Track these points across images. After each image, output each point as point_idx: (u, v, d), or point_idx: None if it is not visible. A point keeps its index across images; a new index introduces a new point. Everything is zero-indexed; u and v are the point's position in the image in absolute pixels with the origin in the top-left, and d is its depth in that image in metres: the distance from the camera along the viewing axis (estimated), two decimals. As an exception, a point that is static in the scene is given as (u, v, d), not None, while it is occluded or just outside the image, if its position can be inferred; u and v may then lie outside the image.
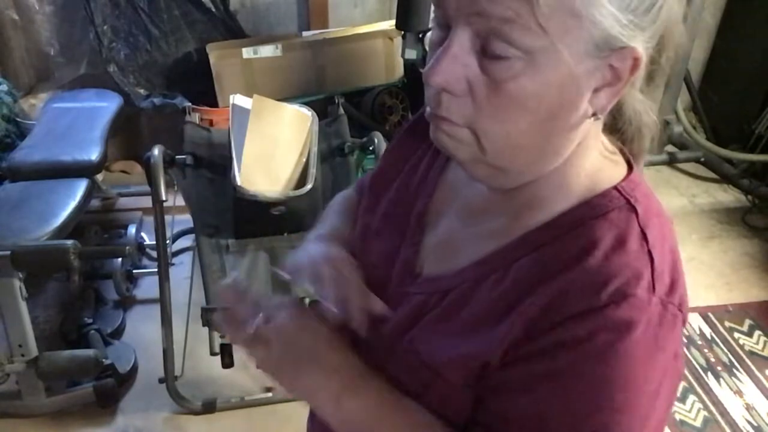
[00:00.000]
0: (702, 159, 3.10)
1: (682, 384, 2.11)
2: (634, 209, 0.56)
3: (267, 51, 2.53)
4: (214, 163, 1.97)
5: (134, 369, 2.04)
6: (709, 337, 2.28)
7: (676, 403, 2.02)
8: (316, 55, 2.60)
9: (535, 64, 0.50)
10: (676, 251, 0.59)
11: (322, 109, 2.21)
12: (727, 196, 3.04)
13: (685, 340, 2.25)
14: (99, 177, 2.38)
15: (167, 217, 1.91)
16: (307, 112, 1.99)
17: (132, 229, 2.47)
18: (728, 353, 2.22)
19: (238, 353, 1.79)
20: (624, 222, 0.56)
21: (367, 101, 2.66)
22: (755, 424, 1.98)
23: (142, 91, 2.64)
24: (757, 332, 2.30)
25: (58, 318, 2.18)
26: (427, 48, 2.33)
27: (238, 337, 0.62)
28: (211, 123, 2.29)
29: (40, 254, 1.73)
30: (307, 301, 0.65)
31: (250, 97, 1.94)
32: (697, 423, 1.99)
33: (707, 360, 2.19)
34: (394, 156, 0.78)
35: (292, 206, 1.80)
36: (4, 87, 2.42)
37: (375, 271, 0.71)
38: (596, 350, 0.52)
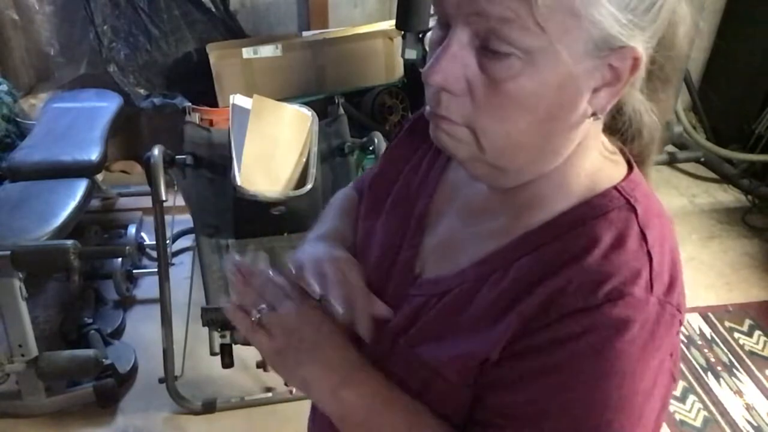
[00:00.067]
0: (702, 159, 3.10)
1: (682, 384, 2.11)
2: (633, 209, 0.56)
3: (267, 51, 2.53)
4: (214, 163, 1.97)
5: (134, 369, 2.04)
6: (709, 337, 2.28)
7: (676, 403, 2.02)
8: (316, 55, 2.60)
9: (534, 64, 0.50)
10: (676, 251, 0.59)
11: (322, 109, 2.21)
12: (727, 196, 3.04)
13: (685, 340, 2.25)
14: (99, 177, 2.38)
15: (167, 217, 1.91)
16: (307, 112, 1.99)
17: (132, 229, 2.47)
18: (728, 353, 2.22)
19: (238, 353, 1.80)
20: (623, 222, 0.56)
21: (367, 101, 2.66)
22: (755, 424, 1.98)
23: (142, 91, 2.64)
24: (757, 332, 2.30)
25: (58, 318, 2.18)
26: (427, 48, 2.33)
27: (242, 324, 0.63)
28: (211, 123, 2.30)
29: (40, 254, 1.73)
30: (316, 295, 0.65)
31: (250, 97, 1.94)
32: (697, 423, 1.99)
33: (707, 360, 2.20)
34: (394, 156, 0.78)
35: (292, 206, 1.80)
36: (4, 87, 2.42)
37: (375, 272, 0.71)
38: (592, 347, 0.52)
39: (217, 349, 1.76)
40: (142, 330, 2.18)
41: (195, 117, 2.13)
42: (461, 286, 0.62)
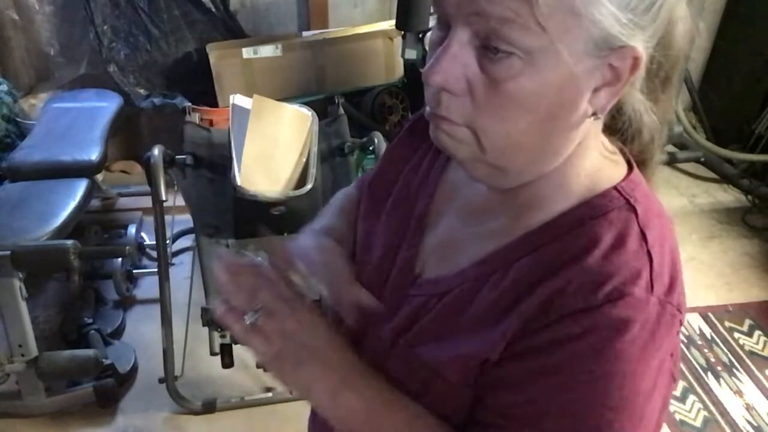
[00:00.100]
0: (702, 159, 3.10)
1: (682, 384, 2.11)
2: (633, 209, 0.56)
3: (267, 51, 2.53)
4: (214, 163, 1.97)
5: (134, 369, 2.04)
6: (709, 337, 2.28)
7: (676, 403, 2.02)
8: (316, 55, 2.60)
9: (535, 64, 0.50)
10: (677, 251, 0.59)
11: (322, 109, 2.21)
12: (727, 196, 3.04)
13: (685, 340, 2.25)
14: (99, 177, 2.38)
15: (167, 217, 1.91)
16: (307, 112, 1.99)
17: (132, 229, 2.47)
18: (728, 353, 2.22)
19: (238, 353, 1.80)
20: (623, 222, 0.56)
21: (367, 101, 2.66)
22: (755, 424, 1.98)
23: (142, 91, 2.64)
24: (757, 332, 2.30)
25: (58, 318, 2.18)
26: (427, 48, 2.33)
27: (235, 328, 0.61)
28: (211, 123, 2.30)
29: (40, 254, 1.73)
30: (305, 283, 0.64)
31: (250, 97, 1.94)
32: (697, 423, 1.99)
33: (707, 360, 2.20)
34: (394, 156, 0.78)
35: (292, 206, 1.80)
36: (4, 87, 2.42)
37: (376, 272, 0.71)
38: (592, 348, 0.52)
39: (217, 349, 1.76)
40: (142, 330, 2.18)
41: (195, 117, 2.13)
42: (461, 286, 0.61)
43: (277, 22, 2.82)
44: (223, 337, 1.75)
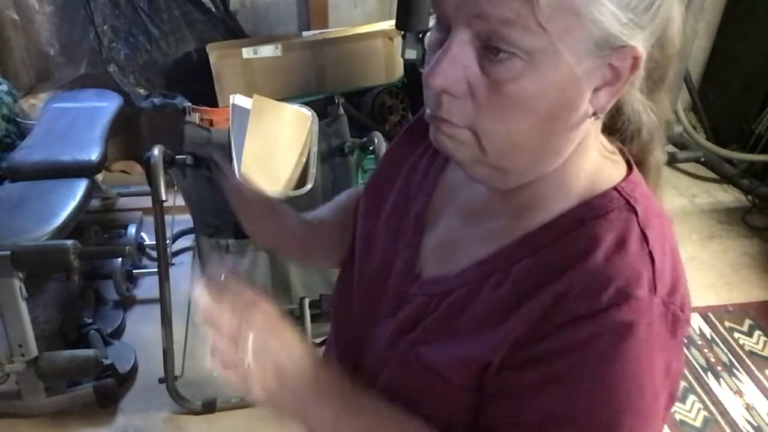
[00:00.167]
0: (702, 159, 3.10)
1: (682, 384, 2.10)
2: (633, 210, 0.56)
3: (267, 51, 2.53)
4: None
5: (134, 369, 2.04)
6: (709, 337, 2.28)
7: (676, 403, 2.02)
8: (316, 55, 2.60)
9: (536, 65, 0.49)
10: (677, 251, 0.58)
11: (322, 109, 2.21)
12: (727, 196, 3.04)
13: (685, 340, 2.25)
14: (99, 177, 2.38)
15: (167, 217, 1.90)
16: (307, 112, 1.99)
17: (132, 229, 2.47)
18: (728, 353, 2.22)
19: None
20: (624, 223, 0.56)
21: (367, 101, 2.66)
22: (755, 424, 1.98)
23: (142, 91, 2.64)
24: (757, 332, 2.30)
25: (58, 318, 2.18)
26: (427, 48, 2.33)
27: (234, 379, 0.59)
28: (211, 123, 2.30)
29: (40, 254, 1.73)
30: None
31: (250, 97, 1.94)
32: (697, 423, 1.99)
33: (707, 360, 2.19)
34: (393, 156, 0.78)
35: (291, 206, 1.79)
36: (4, 87, 2.42)
37: (377, 271, 0.71)
38: (599, 354, 0.52)
39: (217, 349, 1.75)
40: (142, 330, 2.18)
41: (195, 117, 2.13)
42: (462, 287, 0.61)
43: (277, 22, 2.82)
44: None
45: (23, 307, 1.75)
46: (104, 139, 2.26)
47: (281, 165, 1.88)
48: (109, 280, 2.29)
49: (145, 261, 2.48)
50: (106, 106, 2.43)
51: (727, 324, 2.33)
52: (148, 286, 2.33)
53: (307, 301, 1.73)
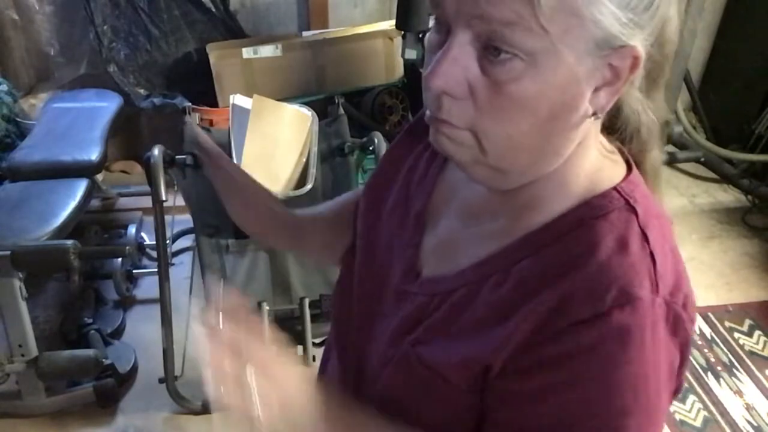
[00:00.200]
0: (702, 159, 3.10)
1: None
2: (633, 210, 0.56)
3: (267, 51, 2.53)
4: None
5: (134, 369, 2.04)
6: (709, 337, 2.28)
7: (676, 403, 2.02)
8: (316, 55, 2.60)
9: (537, 65, 0.49)
10: (677, 252, 0.58)
11: (322, 109, 2.21)
12: (727, 196, 3.04)
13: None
14: (99, 177, 2.38)
15: (167, 217, 1.90)
16: (307, 112, 1.99)
17: (132, 229, 2.47)
18: (728, 353, 2.22)
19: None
20: (624, 223, 0.56)
21: (367, 101, 2.66)
22: (755, 424, 1.98)
23: (142, 91, 2.65)
24: (757, 332, 2.30)
25: (58, 318, 2.18)
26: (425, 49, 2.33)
27: (236, 412, 0.57)
28: (211, 123, 2.30)
29: (40, 254, 1.73)
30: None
31: (250, 97, 1.94)
32: (697, 423, 1.99)
33: (707, 360, 2.19)
34: (393, 156, 0.78)
35: (291, 206, 1.79)
36: (4, 87, 2.42)
37: (377, 271, 0.71)
38: (605, 358, 0.52)
39: (217, 349, 1.75)
40: (142, 330, 2.18)
41: (195, 117, 2.13)
42: (462, 287, 0.61)
43: (277, 22, 2.82)
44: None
45: (23, 307, 1.75)
46: (104, 139, 2.26)
47: (281, 165, 1.88)
48: (109, 280, 2.29)
49: (145, 261, 2.48)
50: (106, 106, 2.43)
51: (727, 324, 2.33)
52: (148, 286, 2.33)
53: (307, 301, 1.73)
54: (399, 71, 2.70)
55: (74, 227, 1.97)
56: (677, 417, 2.00)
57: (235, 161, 1.80)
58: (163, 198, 1.80)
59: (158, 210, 1.83)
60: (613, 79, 0.53)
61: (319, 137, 1.97)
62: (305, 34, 2.69)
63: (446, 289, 0.63)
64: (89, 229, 2.44)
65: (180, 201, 1.97)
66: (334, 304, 0.81)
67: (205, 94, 2.51)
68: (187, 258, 2.47)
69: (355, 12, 2.86)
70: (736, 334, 2.29)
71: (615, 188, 0.58)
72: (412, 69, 2.57)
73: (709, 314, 2.36)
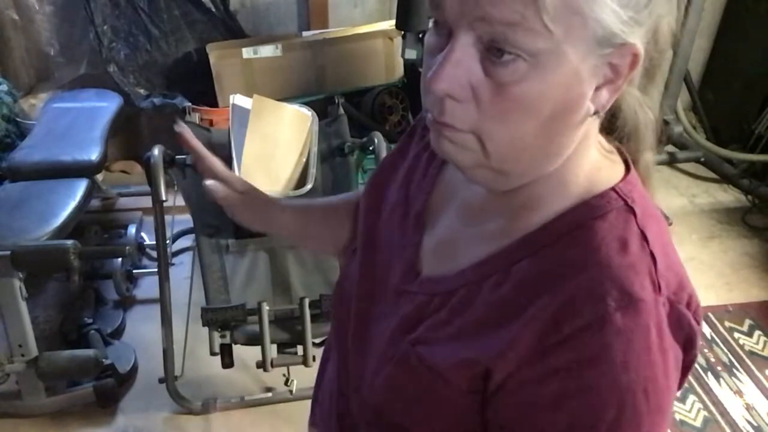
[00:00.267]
0: (702, 159, 3.10)
1: (682, 384, 2.11)
2: (632, 210, 0.56)
3: (267, 51, 2.53)
4: (214, 163, 1.96)
5: (134, 369, 2.04)
6: (709, 337, 2.28)
7: (676, 403, 2.02)
8: (316, 55, 2.60)
9: (540, 66, 0.49)
10: (675, 252, 0.58)
11: (322, 109, 2.21)
12: (727, 196, 3.04)
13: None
14: (99, 177, 2.38)
15: (167, 217, 1.90)
16: (307, 112, 1.99)
17: (132, 229, 2.47)
18: (728, 353, 2.22)
19: (238, 353, 1.80)
20: (623, 223, 0.55)
21: (367, 101, 2.66)
22: (755, 424, 1.98)
23: (142, 91, 2.64)
24: (757, 332, 2.30)
25: (58, 318, 2.18)
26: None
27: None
28: (211, 123, 2.30)
29: (40, 254, 1.73)
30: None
31: (250, 97, 1.94)
32: (697, 423, 1.99)
33: (707, 360, 2.19)
34: (394, 156, 0.78)
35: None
36: (4, 87, 2.42)
37: (378, 269, 0.71)
38: (614, 362, 0.51)
39: (217, 349, 1.75)
40: (142, 330, 2.18)
41: (195, 117, 2.13)
42: (462, 287, 0.61)
43: (277, 22, 2.82)
44: (223, 337, 1.75)
45: (23, 307, 1.75)
46: (104, 139, 2.26)
47: (281, 165, 1.88)
48: (109, 280, 2.29)
49: (145, 261, 2.48)
50: (106, 106, 2.43)
51: (727, 324, 2.33)
52: (148, 286, 2.34)
53: (307, 301, 1.72)
54: (399, 71, 2.70)
55: (74, 227, 1.97)
56: (677, 417, 2.00)
57: (235, 161, 1.80)
58: (163, 198, 1.80)
59: (158, 210, 1.83)
60: (614, 77, 0.53)
61: (319, 137, 1.97)
62: (305, 34, 2.69)
63: (446, 289, 0.62)
64: (89, 229, 2.44)
65: (180, 201, 1.97)
66: (334, 304, 0.81)
67: (205, 94, 2.51)
68: (187, 258, 2.47)
69: (355, 12, 2.86)
70: (736, 334, 2.29)
71: (613, 188, 0.58)
72: (412, 69, 2.57)
73: (709, 314, 2.36)
